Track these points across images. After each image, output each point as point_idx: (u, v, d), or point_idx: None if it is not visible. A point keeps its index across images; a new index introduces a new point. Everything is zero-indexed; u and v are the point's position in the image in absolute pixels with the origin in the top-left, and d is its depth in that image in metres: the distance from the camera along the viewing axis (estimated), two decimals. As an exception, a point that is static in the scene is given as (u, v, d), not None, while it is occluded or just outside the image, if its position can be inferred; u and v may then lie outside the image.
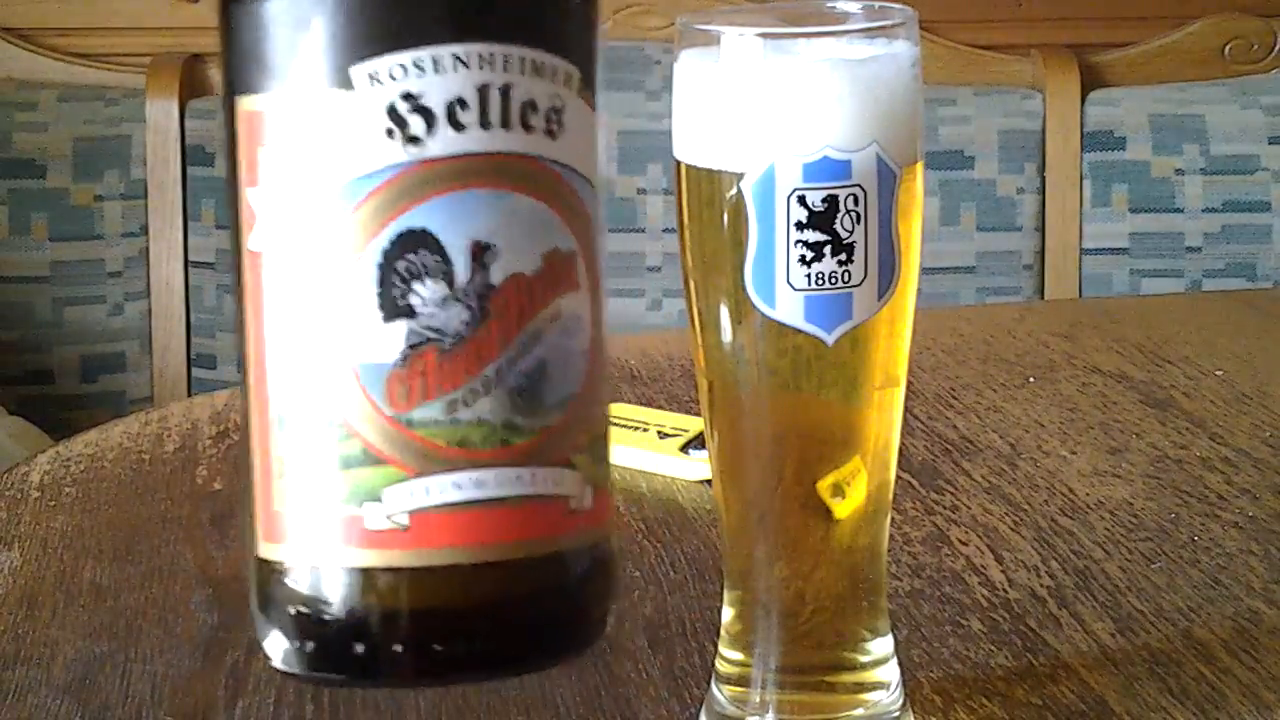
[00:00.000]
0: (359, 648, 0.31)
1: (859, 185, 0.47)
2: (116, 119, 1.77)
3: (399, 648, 0.31)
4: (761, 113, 0.47)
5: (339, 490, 0.30)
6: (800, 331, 0.48)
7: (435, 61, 0.29)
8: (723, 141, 0.48)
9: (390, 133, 0.29)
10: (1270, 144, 1.83)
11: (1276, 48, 1.94)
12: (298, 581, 0.31)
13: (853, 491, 0.52)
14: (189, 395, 1.77)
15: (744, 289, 0.48)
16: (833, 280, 0.48)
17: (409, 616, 0.30)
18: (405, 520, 0.30)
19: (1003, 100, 1.85)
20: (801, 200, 0.47)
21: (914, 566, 0.68)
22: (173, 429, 0.88)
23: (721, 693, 0.54)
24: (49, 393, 1.76)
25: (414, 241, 0.30)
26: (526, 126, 0.31)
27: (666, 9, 1.86)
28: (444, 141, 0.30)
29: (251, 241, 0.31)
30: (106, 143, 1.77)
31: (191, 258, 1.80)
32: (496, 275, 0.30)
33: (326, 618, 0.31)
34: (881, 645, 0.54)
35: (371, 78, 0.29)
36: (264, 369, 0.31)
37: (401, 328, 0.30)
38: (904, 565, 0.68)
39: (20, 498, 0.78)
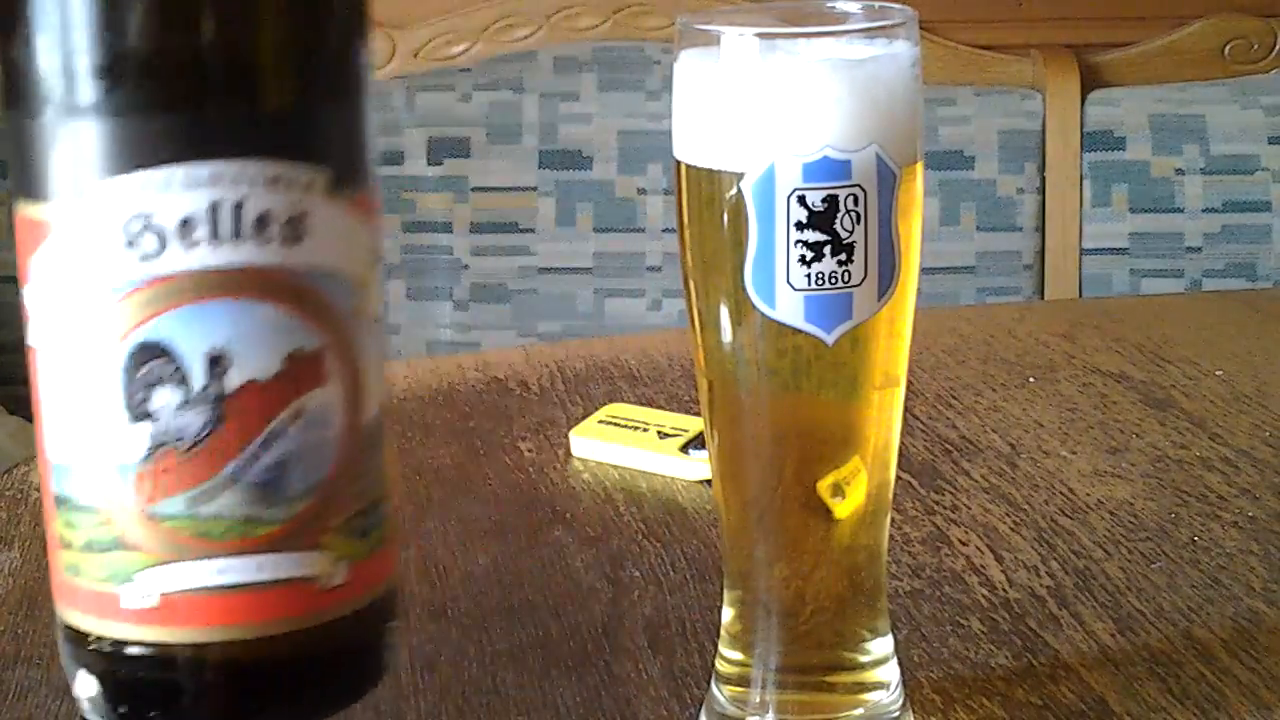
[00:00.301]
0: (124, 709, 0.34)
1: (859, 185, 0.47)
2: (116, 119, 1.77)
3: (154, 714, 0.34)
4: (761, 113, 0.47)
5: (101, 569, 0.33)
6: (800, 331, 0.48)
7: (166, 181, 0.30)
8: (723, 141, 0.48)
9: (128, 248, 0.31)
10: (1270, 144, 1.83)
11: (1276, 48, 1.94)
12: (79, 641, 0.34)
13: (853, 491, 0.52)
14: (189, 395, 1.77)
15: (744, 289, 0.48)
16: (833, 280, 0.48)
17: (163, 686, 0.33)
18: (157, 601, 0.32)
19: (1003, 100, 1.85)
20: (801, 200, 0.47)
21: (914, 566, 0.68)
22: (173, 429, 0.88)
23: (721, 693, 0.54)
24: (49, 393, 1.76)
25: (153, 351, 0.31)
26: (262, 238, 0.31)
27: (666, 9, 1.86)
28: (177, 258, 0.31)
29: (28, 337, 0.33)
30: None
31: (191, 258, 1.80)
32: (233, 382, 0.31)
33: (99, 678, 0.34)
34: (881, 645, 0.54)
35: (109, 195, 0.30)
36: (42, 459, 0.34)
37: (144, 430, 0.32)
38: (904, 565, 0.68)
39: (20, 498, 0.78)
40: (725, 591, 0.55)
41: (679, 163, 0.50)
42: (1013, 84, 1.89)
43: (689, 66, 0.50)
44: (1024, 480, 0.78)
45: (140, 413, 0.32)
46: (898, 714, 0.54)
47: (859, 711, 0.53)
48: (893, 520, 0.55)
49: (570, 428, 0.84)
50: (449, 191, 1.79)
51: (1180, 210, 1.82)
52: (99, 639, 0.33)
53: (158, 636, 0.33)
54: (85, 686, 0.35)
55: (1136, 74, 1.92)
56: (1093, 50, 1.91)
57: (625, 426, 0.83)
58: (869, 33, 0.49)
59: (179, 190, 0.30)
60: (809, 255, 0.47)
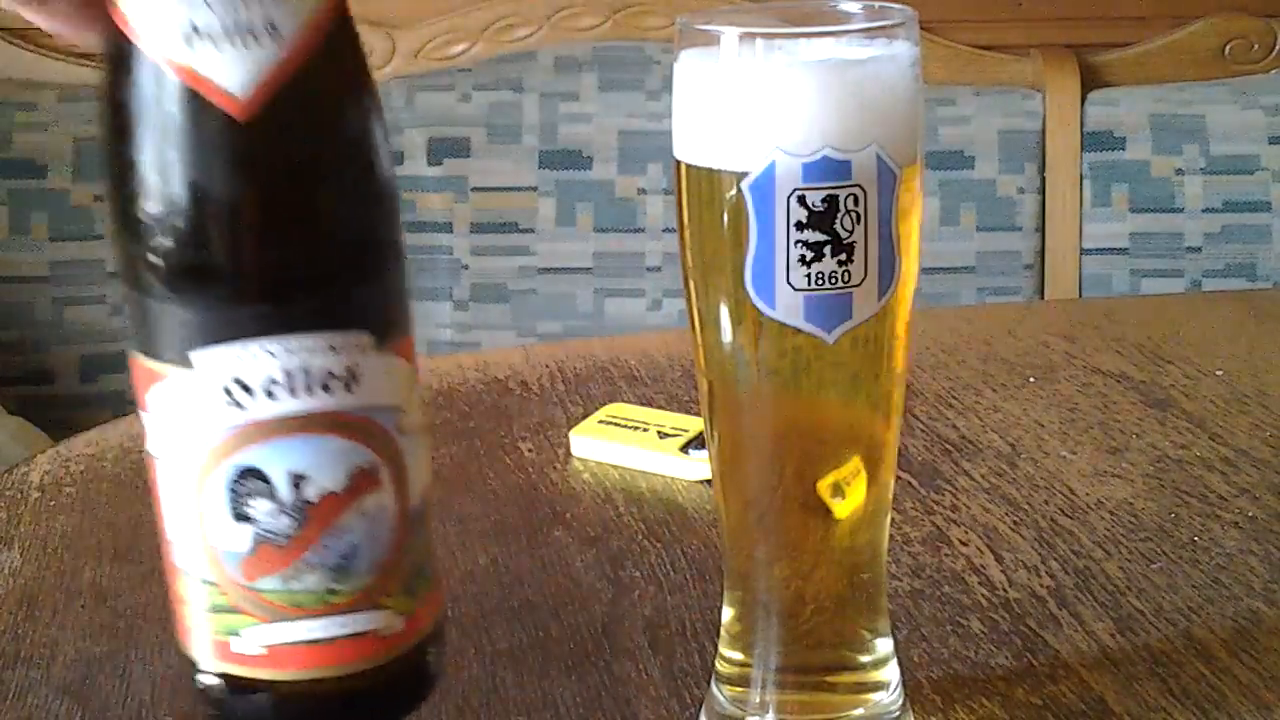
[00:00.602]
0: None
1: (859, 185, 0.47)
2: (116, 119, 1.77)
3: None
4: (761, 113, 0.47)
5: (216, 625, 0.43)
6: (800, 331, 0.48)
7: (252, 352, 0.40)
8: (723, 141, 0.48)
9: (223, 401, 0.40)
10: (1270, 144, 1.83)
11: (1276, 48, 1.94)
12: (200, 673, 0.44)
13: (853, 491, 0.52)
14: (189, 395, 1.77)
15: (744, 289, 0.48)
16: (833, 280, 0.48)
17: (268, 710, 0.44)
18: (262, 650, 0.42)
19: (1003, 100, 1.85)
20: (801, 200, 0.47)
21: (914, 566, 0.68)
22: (173, 429, 0.88)
23: (721, 693, 0.54)
24: (49, 393, 1.76)
25: (249, 473, 0.41)
26: (327, 390, 0.41)
27: (666, 9, 1.86)
28: (263, 407, 0.40)
29: (148, 445, 0.42)
30: (106, 143, 1.76)
31: (191, 258, 1.79)
32: (311, 494, 0.41)
33: (217, 702, 0.44)
34: (881, 645, 0.54)
35: (209, 362, 0.40)
36: (164, 537, 0.43)
37: (247, 529, 0.41)
38: (904, 565, 0.68)
39: (20, 498, 0.78)
40: (725, 591, 0.55)
41: (679, 163, 0.50)
42: (1013, 84, 1.89)
43: (689, 66, 0.50)
44: (1024, 480, 0.78)
45: (242, 516, 0.41)
46: (898, 714, 0.54)
47: (859, 711, 0.53)
48: (893, 520, 0.55)
49: (570, 428, 0.84)
50: (449, 191, 1.79)
51: (1180, 210, 1.82)
52: (217, 674, 0.43)
53: (261, 675, 0.43)
54: (206, 705, 0.45)
55: (1136, 74, 1.92)
56: (1093, 50, 1.91)
57: (625, 426, 0.83)
58: (869, 33, 0.49)
59: (261, 359, 0.40)
60: (809, 255, 0.47)
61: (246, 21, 0.38)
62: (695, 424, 0.82)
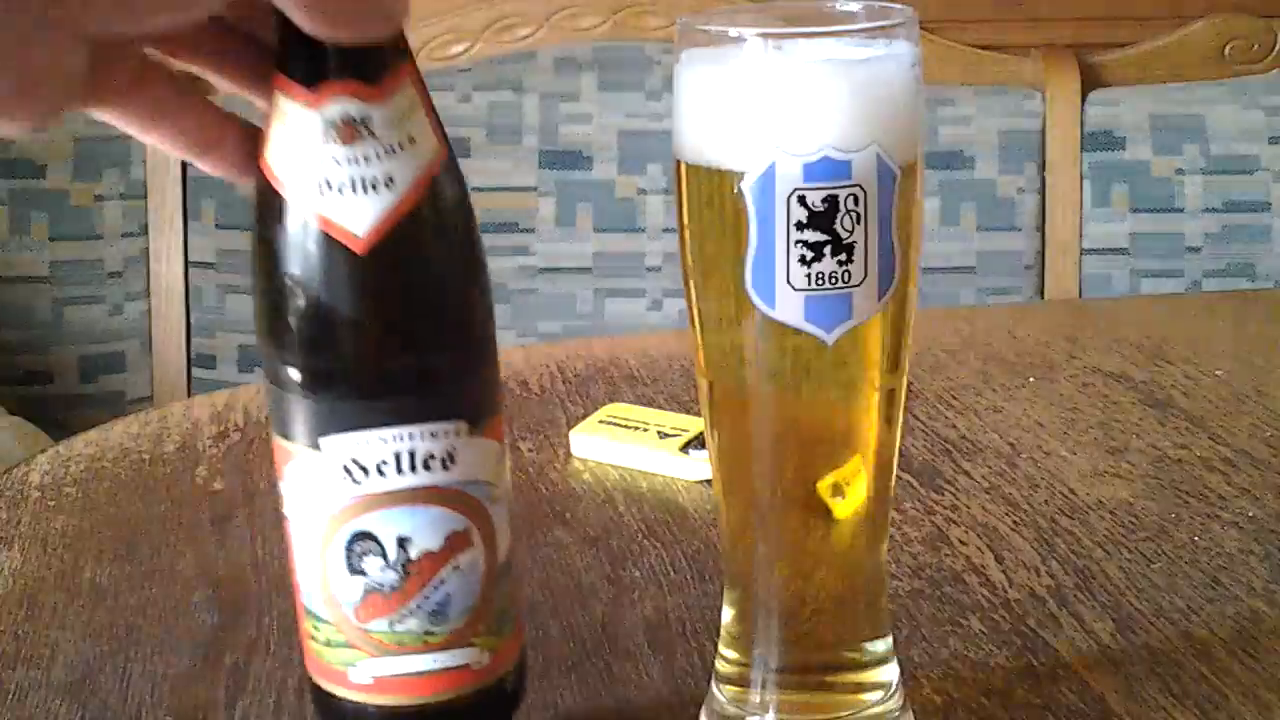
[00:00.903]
0: None
1: (859, 185, 0.47)
2: (116, 119, 1.77)
3: None
4: (761, 113, 0.47)
5: (335, 658, 0.51)
6: (800, 331, 0.48)
7: (367, 440, 0.47)
8: (723, 141, 0.48)
9: (343, 477, 0.48)
10: (1270, 144, 1.83)
11: (1276, 48, 1.94)
12: (321, 694, 0.52)
13: (853, 491, 0.52)
14: (189, 395, 1.77)
15: (744, 289, 0.48)
16: (833, 280, 0.48)
17: None
18: (371, 680, 0.50)
19: (1003, 100, 1.85)
20: (801, 200, 0.47)
21: (914, 566, 0.68)
22: (173, 429, 0.88)
23: (721, 693, 0.54)
24: (49, 393, 1.76)
25: (362, 537, 0.49)
26: (428, 469, 0.48)
27: (666, 9, 1.86)
28: (375, 483, 0.48)
29: (283, 509, 0.50)
30: (106, 143, 1.76)
31: (191, 258, 1.79)
32: (413, 553, 0.49)
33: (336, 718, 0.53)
34: (881, 645, 0.54)
35: (332, 446, 0.48)
36: (295, 583, 0.51)
37: (359, 581, 0.49)
38: (904, 565, 0.68)
39: (20, 498, 0.78)
40: (725, 591, 0.55)
41: (679, 163, 0.50)
42: (1013, 84, 1.89)
43: (689, 66, 0.50)
44: (1024, 480, 0.78)
45: (356, 570, 0.49)
46: (898, 714, 0.54)
47: (859, 712, 0.53)
48: (893, 520, 0.55)
49: (570, 428, 0.84)
50: (449, 191, 1.78)
51: (1180, 210, 1.82)
52: (337, 697, 0.51)
53: (372, 701, 0.51)
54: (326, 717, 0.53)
55: (1136, 74, 1.92)
56: (1093, 50, 1.91)
57: (625, 426, 0.83)
58: (869, 33, 0.49)
59: (375, 444, 0.48)
60: (809, 255, 0.47)
61: (369, 177, 0.46)
62: (695, 424, 0.82)
